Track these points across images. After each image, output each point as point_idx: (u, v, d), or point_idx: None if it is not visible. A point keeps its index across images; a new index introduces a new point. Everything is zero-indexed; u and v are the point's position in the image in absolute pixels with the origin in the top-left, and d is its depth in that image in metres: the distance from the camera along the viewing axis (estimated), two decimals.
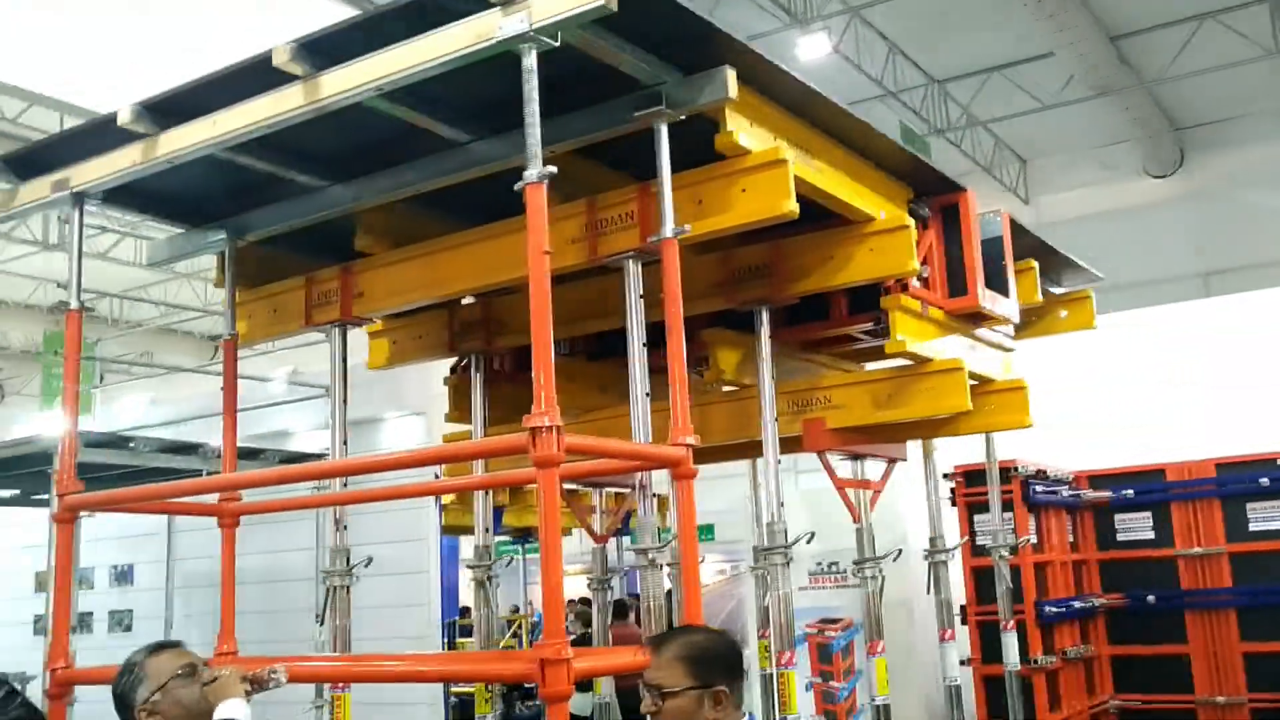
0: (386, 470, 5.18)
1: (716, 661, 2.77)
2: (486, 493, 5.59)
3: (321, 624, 5.14)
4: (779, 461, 5.02)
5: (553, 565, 3.13)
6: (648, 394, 4.01)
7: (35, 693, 6.77)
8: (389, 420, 10.81)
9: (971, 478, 8.13)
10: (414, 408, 10.54)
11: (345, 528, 4.86)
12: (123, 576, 12.16)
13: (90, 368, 11.51)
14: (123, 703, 3.01)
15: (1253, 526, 8.50)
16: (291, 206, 4.93)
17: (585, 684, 9.16)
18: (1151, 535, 8.85)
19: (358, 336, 5.46)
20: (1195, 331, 9.94)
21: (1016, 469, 7.95)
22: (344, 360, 5.13)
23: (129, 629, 11.91)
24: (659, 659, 2.80)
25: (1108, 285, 7.11)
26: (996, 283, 5.45)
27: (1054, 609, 8.11)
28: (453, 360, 6.20)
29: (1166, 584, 8.73)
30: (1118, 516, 9.00)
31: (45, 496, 9.64)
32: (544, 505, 3.15)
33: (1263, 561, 8.42)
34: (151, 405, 13.42)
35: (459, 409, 6.06)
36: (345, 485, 4.98)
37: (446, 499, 11.16)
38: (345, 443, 5.01)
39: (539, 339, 3.23)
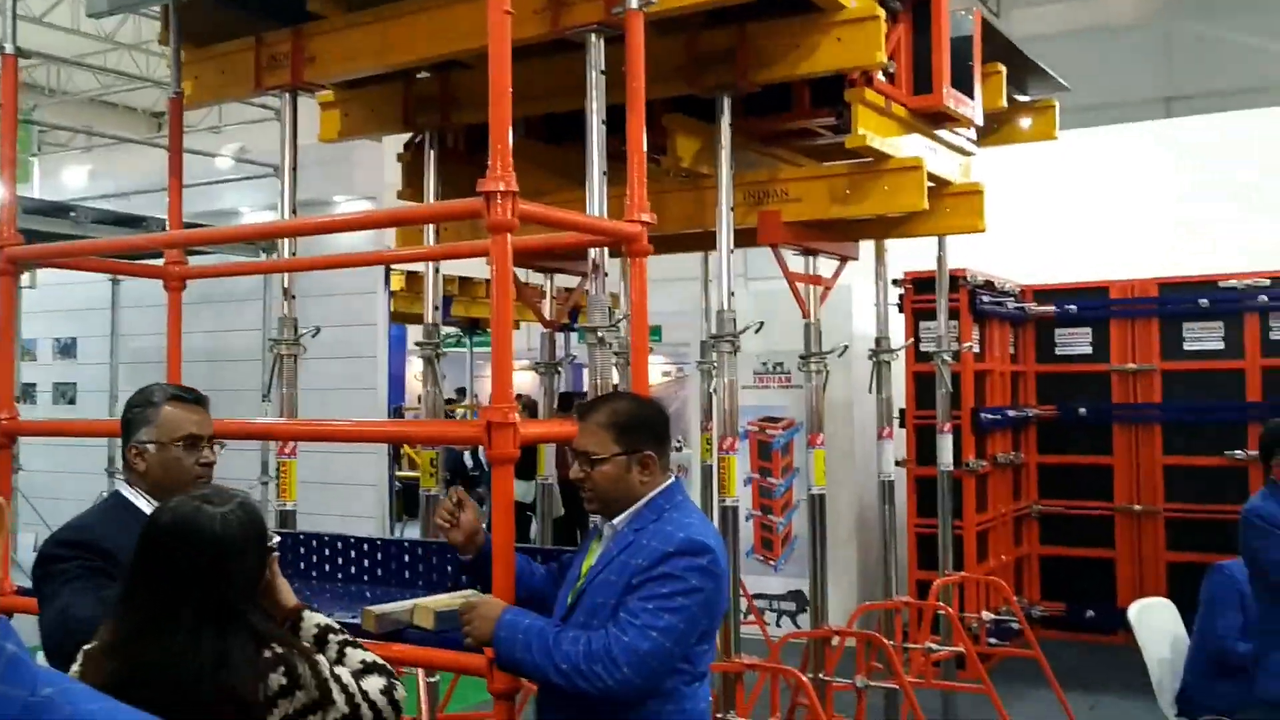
0: (337, 231, 5.11)
1: (643, 427, 2.81)
2: (436, 270, 5.55)
3: (268, 397, 5.14)
4: (732, 251, 5.03)
5: (503, 333, 3.12)
6: (604, 173, 3.96)
7: None
8: (339, 205, 10.64)
9: (921, 285, 8.21)
10: (364, 192, 10.37)
11: (294, 297, 4.82)
12: (66, 350, 12.10)
13: (27, 133, 11.15)
14: (125, 424, 2.99)
15: (1187, 346, 8.74)
16: None
17: (528, 471, 9.37)
18: (1089, 350, 9.08)
19: (309, 115, 5.29)
20: (1151, 153, 9.95)
21: (965, 278, 8.04)
22: (294, 128, 4.99)
23: (73, 401, 11.94)
24: (587, 426, 2.83)
25: (1071, 104, 7.04)
26: (962, 84, 5.36)
27: (990, 416, 8.35)
28: (406, 138, 6.06)
29: (1099, 398, 9.00)
30: (1059, 331, 9.20)
31: None
32: (496, 272, 3.12)
33: (1192, 380, 8.71)
34: (91, 179, 13.07)
35: (411, 187, 5.95)
36: (295, 253, 4.92)
37: (395, 286, 11.17)
38: (294, 212, 4.92)
39: (497, 100, 3.13)
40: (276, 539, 2.50)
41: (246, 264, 5.48)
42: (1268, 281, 8.37)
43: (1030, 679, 7.20)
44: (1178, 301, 8.71)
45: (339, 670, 2.37)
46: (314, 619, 2.54)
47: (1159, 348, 8.80)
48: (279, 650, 2.26)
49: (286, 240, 5.04)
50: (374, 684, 2.40)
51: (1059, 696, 6.74)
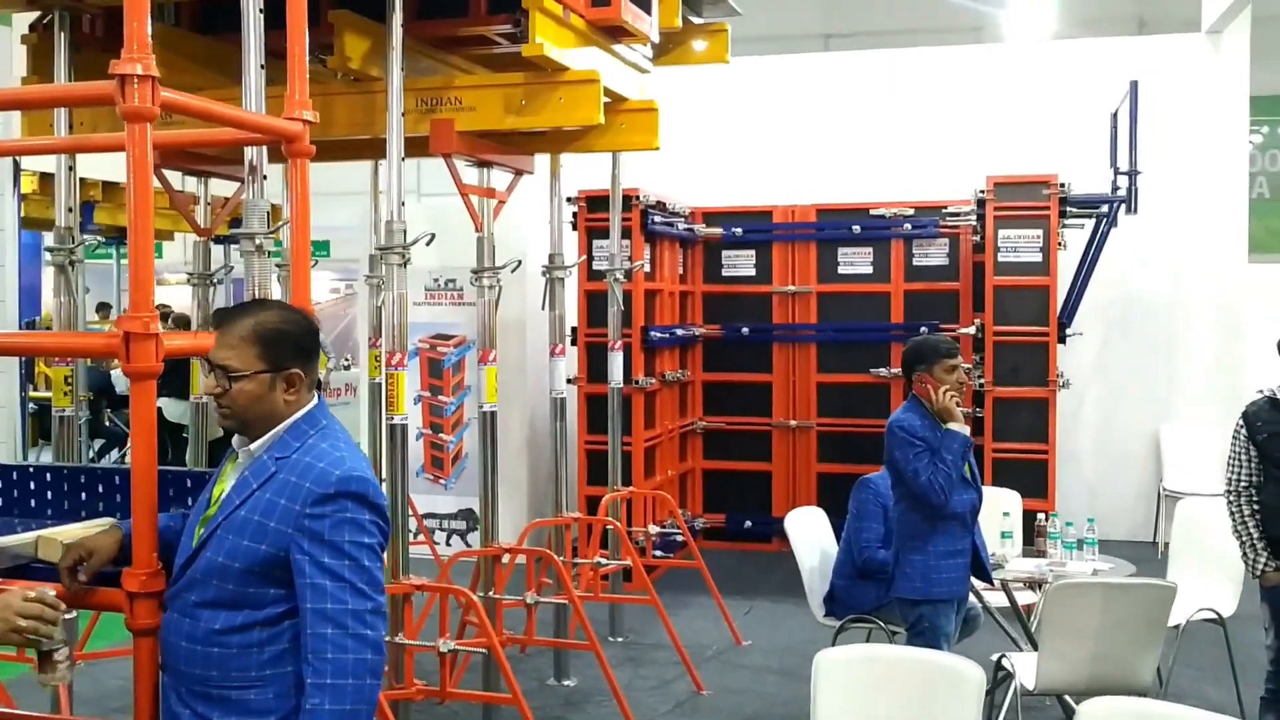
0: None
1: (288, 342, 2.57)
2: (70, 169, 5.00)
3: None
4: (403, 159, 4.81)
5: (143, 236, 2.80)
6: (263, 66, 3.63)
7: None
8: None
9: (594, 204, 8.24)
10: None
11: None
12: None
13: None
14: None
15: (841, 269, 9.26)
16: None
17: (182, 390, 8.80)
18: (754, 272, 9.46)
19: None
20: (813, 85, 10.37)
21: (638, 198, 8.13)
22: None
23: None
24: (226, 338, 2.56)
25: (741, 34, 7.18)
26: None
27: (659, 335, 8.54)
28: (33, 17, 5.39)
29: (761, 319, 9.41)
30: (725, 253, 9.52)
31: None
32: (134, 167, 2.79)
33: (844, 301, 9.26)
34: None
35: (39, 74, 5.31)
36: None
37: (27, 188, 10.10)
38: None
39: None
40: None
41: None
42: (911, 210, 8.96)
43: (693, 587, 7.49)
44: (833, 227, 9.19)
45: None
46: None
47: (816, 271, 9.28)
48: None
49: None
50: None
51: (718, 602, 7.05)
